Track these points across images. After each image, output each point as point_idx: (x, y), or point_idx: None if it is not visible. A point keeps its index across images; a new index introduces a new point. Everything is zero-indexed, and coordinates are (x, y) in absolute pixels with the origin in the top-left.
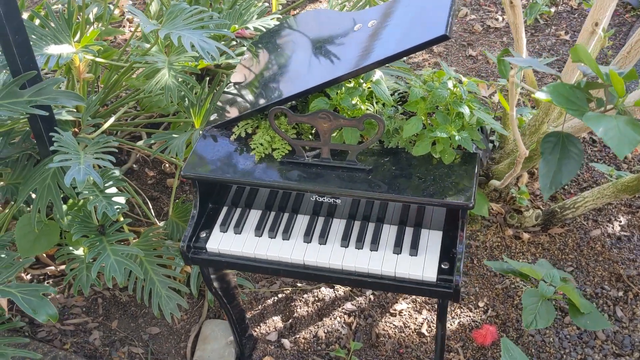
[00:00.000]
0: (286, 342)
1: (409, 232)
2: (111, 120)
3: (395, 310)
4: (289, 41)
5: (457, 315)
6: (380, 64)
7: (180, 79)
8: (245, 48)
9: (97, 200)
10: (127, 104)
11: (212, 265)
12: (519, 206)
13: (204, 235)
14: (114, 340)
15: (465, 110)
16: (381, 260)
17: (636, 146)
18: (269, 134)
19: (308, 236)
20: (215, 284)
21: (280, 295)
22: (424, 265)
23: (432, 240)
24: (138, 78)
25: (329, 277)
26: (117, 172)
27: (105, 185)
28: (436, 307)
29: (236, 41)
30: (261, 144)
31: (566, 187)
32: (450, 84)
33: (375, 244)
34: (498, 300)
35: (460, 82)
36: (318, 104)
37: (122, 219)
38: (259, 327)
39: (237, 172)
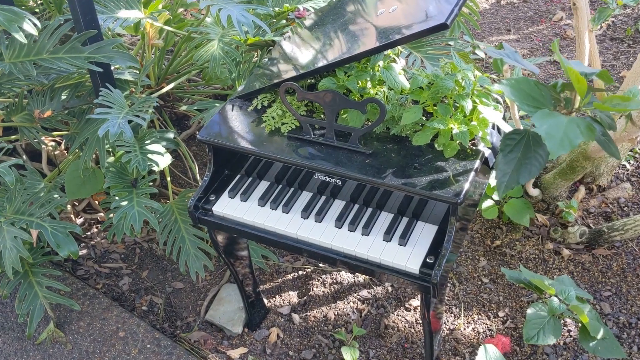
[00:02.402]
0: (296, 317)
1: (403, 222)
2: (170, 86)
3: (410, 305)
4: (322, 22)
5: (473, 320)
6: (370, 52)
7: (226, 51)
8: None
9: (132, 155)
10: (189, 72)
11: (216, 227)
12: (565, 221)
13: (213, 198)
14: (140, 288)
15: (468, 104)
16: (369, 245)
17: (573, 148)
18: (281, 108)
19: (306, 212)
20: (223, 247)
21: (300, 272)
22: (409, 256)
23: (425, 233)
24: (191, 47)
25: (316, 253)
26: (171, 135)
27: (146, 142)
28: (454, 309)
29: (287, 20)
30: (272, 117)
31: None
32: (459, 76)
33: (367, 229)
34: (521, 314)
35: (471, 76)
36: (326, 84)
37: (156, 175)
38: (273, 299)
39: (245, 141)
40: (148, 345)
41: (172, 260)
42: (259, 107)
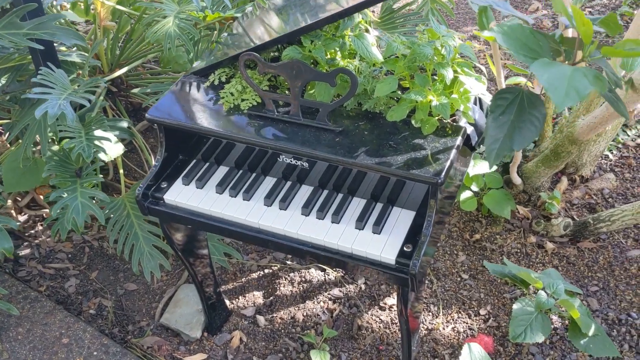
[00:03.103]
0: (261, 320)
1: (378, 208)
2: (123, 70)
3: (385, 304)
4: None
5: (452, 319)
6: (339, 15)
7: (183, 28)
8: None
9: (76, 141)
10: (145, 57)
11: (168, 218)
12: (548, 213)
13: (165, 185)
14: (88, 290)
15: (448, 73)
16: (340, 233)
17: (582, 99)
18: (241, 83)
19: (269, 199)
20: (179, 241)
21: (266, 271)
22: (384, 244)
23: (401, 219)
24: (144, 24)
25: (281, 244)
26: (124, 124)
27: (93, 128)
28: (432, 307)
29: None
30: (231, 94)
31: None
32: (438, 44)
33: (337, 216)
34: (504, 311)
35: (449, 43)
36: (290, 53)
37: (103, 162)
38: (236, 300)
39: (200, 120)
40: (95, 353)
41: (125, 261)
42: (216, 82)
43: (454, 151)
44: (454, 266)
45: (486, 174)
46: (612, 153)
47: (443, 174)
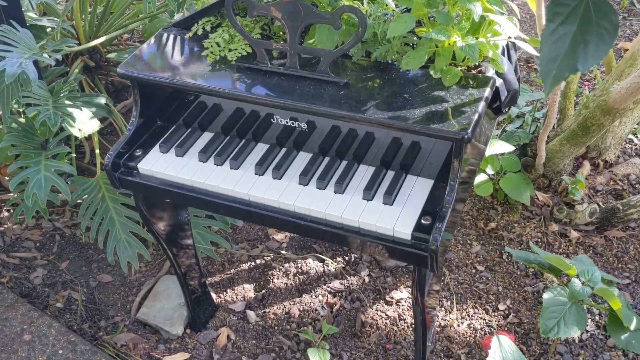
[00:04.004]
0: (251, 315)
1: (389, 176)
2: (100, 40)
3: (392, 298)
4: None
5: (468, 315)
6: None
7: None
8: None
9: (41, 108)
10: (126, 27)
11: (143, 190)
12: (571, 199)
13: (140, 153)
14: (56, 282)
15: (477, 7)
16: (345, 205)
17: None
18: (229, 32)
19: (261, 167)
20: (157, 223)
21: (258, 261)
22: (397, 217)
23: (418, 188)
24: None
25: (275, 219)
26: (102, 100)
27: (61, 95)
28: (445, 302)
29: None
30: (217, 44)
31: None
32: None
33: (341, 184)
34: (525, 306)
35: None
36: None
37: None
38: (224, 294)
39: (180, 74)
40: (60, 351)
41: (100, 250)
42: (200, 32)
43: (482, 103)
44: (468, 257)
45: (502, 155)
46: (637, 137)
47: (470, 128)
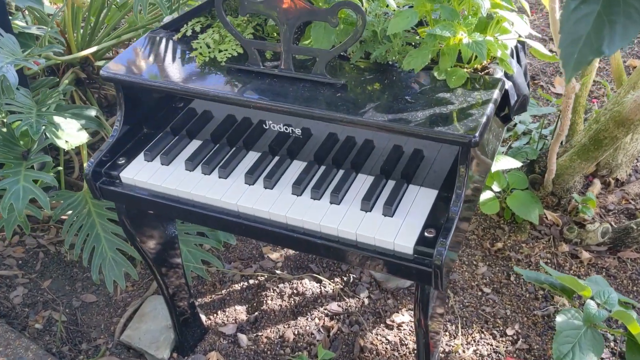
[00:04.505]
0: (243, 339)
1: (389, 185)
2: (91, 50)
3: (393, 321)
4: None
5: (474, 340)
6: None
7: None
8: None
9: (23, 116)
10: (119, 37)
11: (125, 200)
12: (582, 218)
13: (123, 161)
14: (37, 302)
15: (485, 2)
16: (341, 216)
17: None
18: (219, 32)
19: (251, 176)
20: (143, 239)
21: (251, 281)
22: (398, 229)
23: (420, 200)
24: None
25: (266, 231)
26: (92, 112)
27: (47, 104)
28: (450, 326)
29: None
30: (207, 45)
31: None
32: None
33: (337, 195)
34: (535, 331)
35: None
36: None
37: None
38: (214, 315)
39: (167, 76)
40: None
41: (85, 269)
42: (189, 33)
43: (490, 106)
44: (474, 278)
45: (509, 172)
46: None
47: (478, 131)
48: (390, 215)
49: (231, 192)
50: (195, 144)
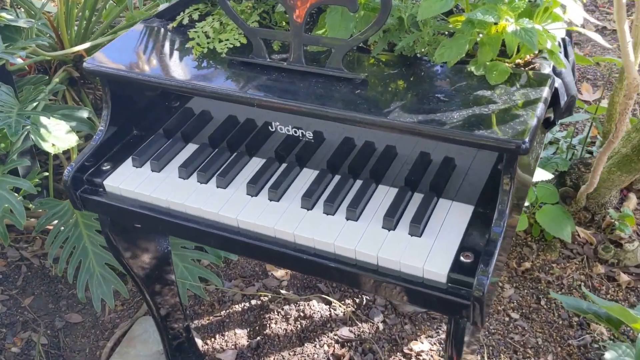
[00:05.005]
0: None
1: (416, 199)
2: (84, 46)
3: (411, 350)
4: None
5: None
6: None
7: None
8: None
9: (1, 115)
10: (115, 33)
11: (110, 212)
12: (618, 236)
13: (108, 167)
14: (15, 321)
15: None
16: (359, 235)
17: None
18: (219, 20)
19: (254, 186)
20: (130, 255)
21: (254, 302)
22: (428, 252)
23: (454, 216)
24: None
25: (271, 252)
26: (84, 113)
27: (32, 103)
28: (475, 357)
29: None
30: (205, 34)
31: None
32: None
33: (355, 210)
34: None
35: None
36: None
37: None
38: (212, 340)
39: (159, 69)
40: None
41: (70, 285)
42: (185, 21)
43: (540, 105)
44: (500, 302)
45: (538, 185)
46: None
47: (528, 136)
48: (417, 235)
49: (231, 204)
50: (190, 149)
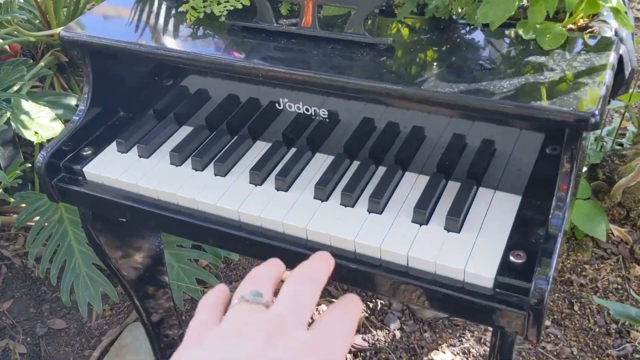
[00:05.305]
0: None
1: (452, 188)
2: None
3: None
4: None
5: None
6: None
7: None
8: None
9: None
10: None
11: (89, 205)
12: None
13: (89, 152)
14: None
15: None
16: (385, 230)
17: None
18: None
19: (259, 173)
20: (116, 254)
21: None
22: (470, 250)
23: (498, 208)
24: None
25: (278, 250)
26: (72, 100)
27: (11, 86)
28: None
29: None
30: None
31: None
32: None
33: (378, 200)
34: None
35: None
36: None
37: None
38: None
39: (147, 38)
40: None
41: (55, 287)
42: None
43: (607, 73)
44: None
45: None
46: None
47: (597, 106)
48: (455, 231)
49: (231, 194)
50: (184, 131)
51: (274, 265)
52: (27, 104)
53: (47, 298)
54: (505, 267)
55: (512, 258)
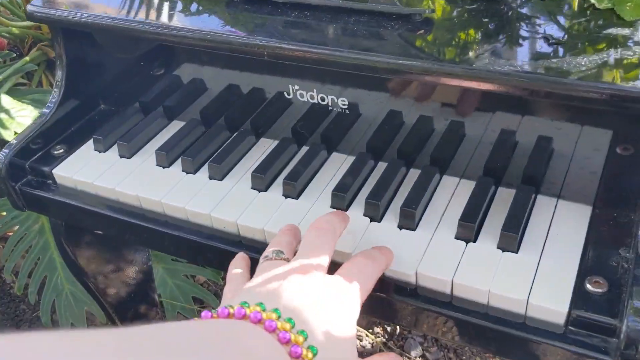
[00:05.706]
0: None
1: (504, 195)
2: None
3: None
4: None
5: None
6: None
7: None
8: None
9: None
10: None
11: (60, 214)
12: None
13: (61, 151)
14: None
15: None
16: (422, 249)
17: None
18: None
19: (263, 176)
20: (94, 272)
21: None
22: (533, 275)
23: (562, 222)
24: None
25: None
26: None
27: None
28: None
29: None
30: None
31: None
32: None
33: (412, 210)
34: None
35: None
36: None
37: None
38: None
39: (131, 12)
40: None
41: (34, 304)
42: None
43: None
44: None
45: None
46: None
47: None
48: (513, 250)
49: (229, 202)
50: (175, 127)
51: (290, 231)
52: (7, 101)
53: (26, 318)
54: (580, 297)
55: (589, 286)
